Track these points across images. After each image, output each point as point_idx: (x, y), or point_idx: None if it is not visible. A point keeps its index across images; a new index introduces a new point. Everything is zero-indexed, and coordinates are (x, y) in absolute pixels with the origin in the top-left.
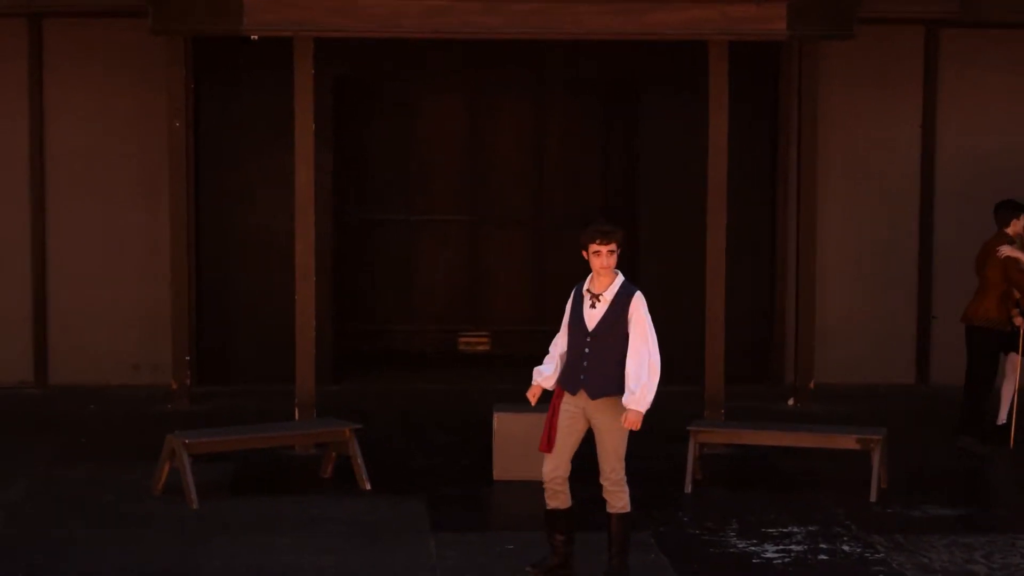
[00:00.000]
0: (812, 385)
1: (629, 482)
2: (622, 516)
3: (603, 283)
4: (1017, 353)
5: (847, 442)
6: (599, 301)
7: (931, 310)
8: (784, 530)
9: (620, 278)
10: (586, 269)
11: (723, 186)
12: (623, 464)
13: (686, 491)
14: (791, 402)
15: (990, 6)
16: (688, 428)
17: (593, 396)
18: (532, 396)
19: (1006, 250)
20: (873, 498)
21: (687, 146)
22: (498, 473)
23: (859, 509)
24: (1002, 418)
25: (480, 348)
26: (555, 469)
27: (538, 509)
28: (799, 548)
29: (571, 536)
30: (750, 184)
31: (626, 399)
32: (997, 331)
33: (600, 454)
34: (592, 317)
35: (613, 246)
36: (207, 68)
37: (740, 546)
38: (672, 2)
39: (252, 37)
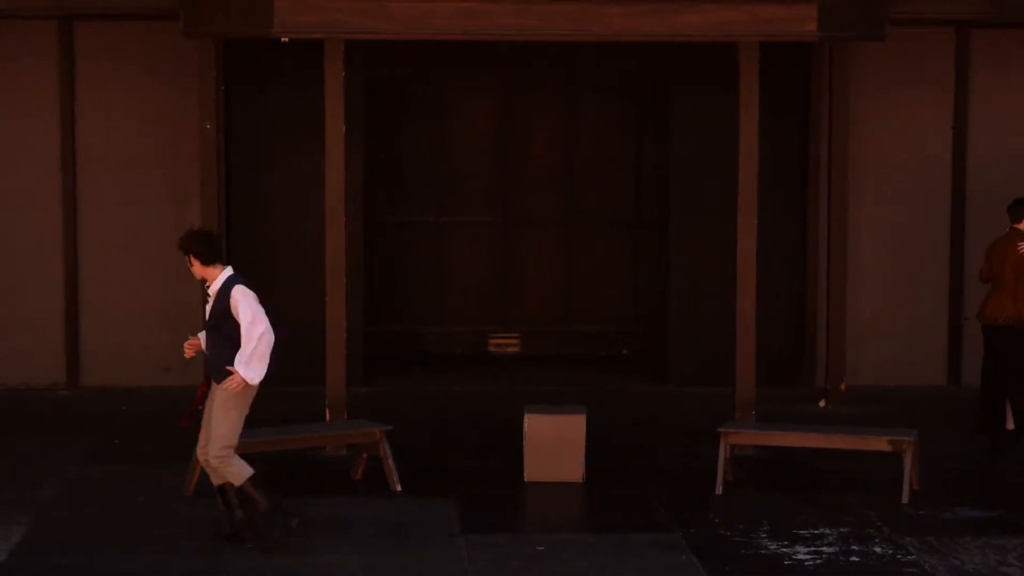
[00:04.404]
0: (843, 387)
1: (657, 483)
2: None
3: (210, 281)
4: None
5: (878, 444)
6: (209, 296)
7: (963, 311)
8: (815, 532)
9: (225, 273)
10: (615, 268)
11: (754, 187)
12: (226, 442)
13: (717, 492)
14: (822, 404)
15: (1021, 6)
16: (719, 430)
17: (217, 381)
18: (189, 347)
19: None
20: (905, 500)
21: (718, 146)
22: (529, 474)
23: (891, 511)
24: (1011, 423)
25: (510, 349)
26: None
27: (570, 510)
28: (830, 550)
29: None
30: (781, 185)
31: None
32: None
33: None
34: (207, 310)
35: (188, 257)
36: (238, 70)
37: (771, 547)
38: (702, 3)
39: (283, 39)
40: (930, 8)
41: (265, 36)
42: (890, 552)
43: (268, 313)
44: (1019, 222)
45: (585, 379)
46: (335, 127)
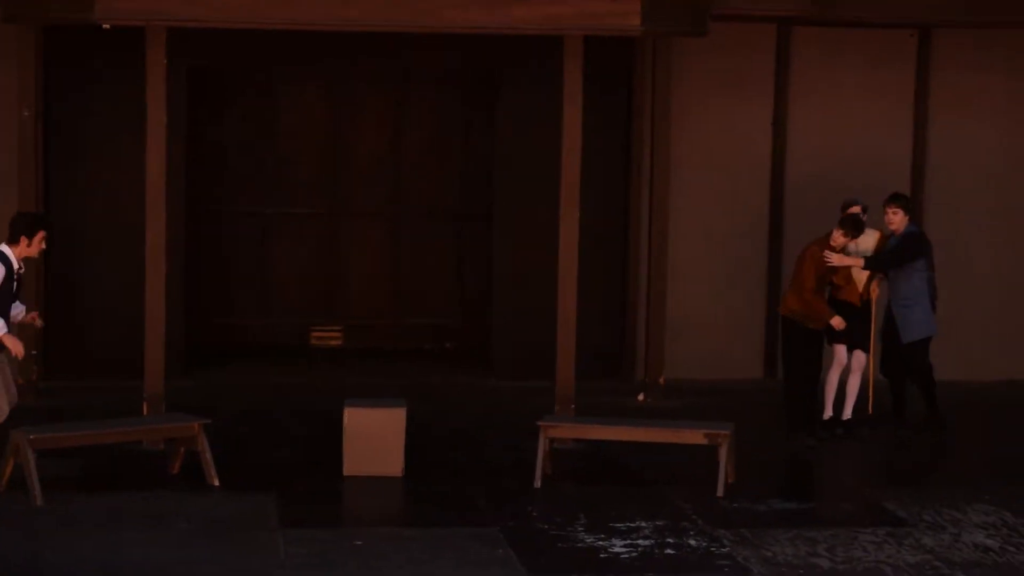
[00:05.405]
0: (662, 381)
1: (477, 477)
2: None
3: None
4: (839, 344)
5: (695, 437)
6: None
7: (779, 305)
8: (631, 524)
9: None
10: (440, 260)
11: (576, 181)
12: None
13: (535, 486)
14: (641, 398)
15: (842, 5)
16: (538, 423)
17: None
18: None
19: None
20: (720, 493)
21: (544, 142)
22: (348, 468)
23: (706, 504)
24: (829, 412)
25: (333, 342)
26: None
27: (389, 504)
28: (646, 542)
29: None
30: (605, 179)
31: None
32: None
33: None
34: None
35: None
36: (59, 57)
37: (588, 540)
38: None
39: (104, 26)
40: (752, 5)
41: (86, 22)
42: (704, 544)
43: (86, 305)
44: (840, 226)
45: (408, 372)
46: (156, 115)
